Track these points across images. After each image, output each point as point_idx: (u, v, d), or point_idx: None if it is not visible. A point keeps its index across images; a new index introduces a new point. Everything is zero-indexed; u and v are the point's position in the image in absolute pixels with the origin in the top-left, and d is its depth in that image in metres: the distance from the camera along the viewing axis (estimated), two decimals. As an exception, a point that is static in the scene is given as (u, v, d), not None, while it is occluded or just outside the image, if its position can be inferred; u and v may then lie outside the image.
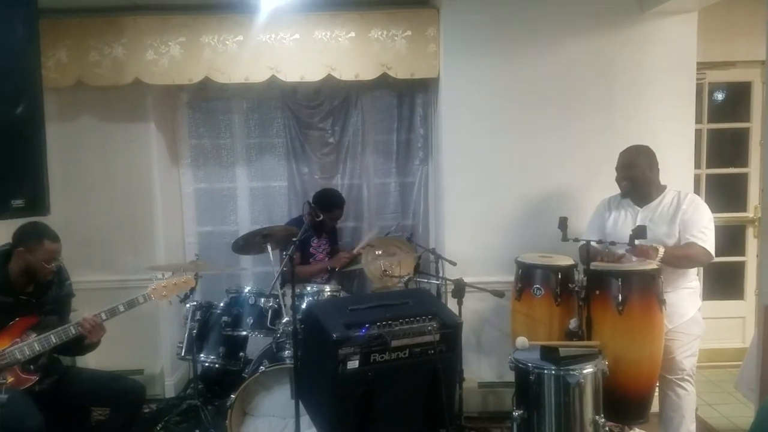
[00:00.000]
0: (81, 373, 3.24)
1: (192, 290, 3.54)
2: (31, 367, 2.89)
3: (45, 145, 3.30)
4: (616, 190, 3.43)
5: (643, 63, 3.82)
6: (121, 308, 3.01)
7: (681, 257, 3.06)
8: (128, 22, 3.86)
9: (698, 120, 4.14)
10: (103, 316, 2.96)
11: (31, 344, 2.83)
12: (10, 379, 2.78)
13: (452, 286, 3.44)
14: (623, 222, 3.26)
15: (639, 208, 3.24)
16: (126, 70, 3.87)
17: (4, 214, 3.08)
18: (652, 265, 2.99)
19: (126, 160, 4.17)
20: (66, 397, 3.05)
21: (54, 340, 2.86)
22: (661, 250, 3.00)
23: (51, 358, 3.03)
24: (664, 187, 3.24)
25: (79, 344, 3.00)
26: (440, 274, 3.75)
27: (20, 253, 2.89)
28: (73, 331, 2.90)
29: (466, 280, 3.47)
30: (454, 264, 3.70)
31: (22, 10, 3.09)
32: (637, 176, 3.17)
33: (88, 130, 4.13)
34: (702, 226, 3.05)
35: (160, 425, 3.72)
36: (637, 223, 3.13)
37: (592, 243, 3.10)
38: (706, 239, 3.04)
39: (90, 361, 3.72)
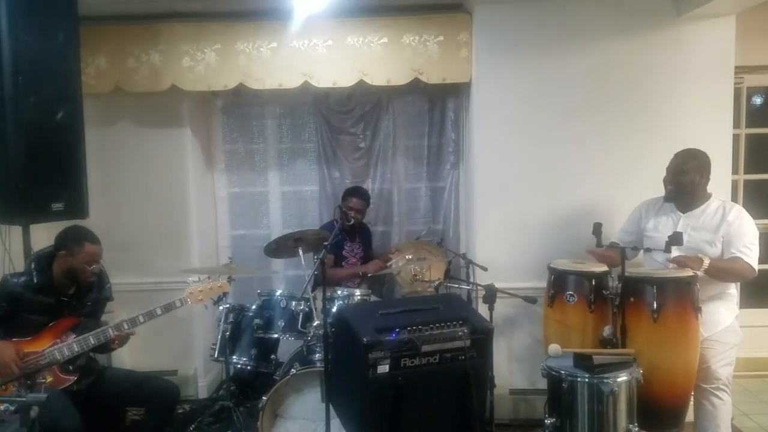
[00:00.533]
0: (117, 374, 3.30)
1: (225, 293, 3.59)
2: (70, 367, 2.95)
3: (84, 150, 3.40)
4: (651, 195, 3.38)
5: (679, 67, 3.76)
6: (158, 311, 3.07)
7: (725, 270, 3.01)
8: (165, 29, 3.94)
9: (736, 125, 4.04)
10: (141, 320, 3.02)
11: (70, 345, 2.90)
12: (50, 379, 2.85)
13: (483, 292, 3.43)
14: (664, 227, 3.21)
15: (681, 214, 3.19)
16: (163, 76, 3.96)
17: (45, 217, 3.19)
18: (688, 272, 2.94)
19: (162, 164, 4.26)
20: (102, 397, 3.11)
21: (92, 342, 2.93)
22: (706, 262, 2.95)
23: (89, 358, 3.10)
24: (709, 195, 3.19)
25: (106, 345, 3.08)
26: (471, 280, 3.73)
27: (62, 256, 2.97)
28: (111, 334, 2.96)
29: (498, 285, 3.44)
30: (485, 269, 3.68)
31: (64, 17, 3.21)
32: (685, 183, 3.13)
33: (125, 136, 4.22)
34: (748, 241, 3.00)
35: (193, 426, 3.76)
36: (678, 228, 3.10)
37: (629, 249, 3.05)
38: (752, 255, 2.99)
39: (125, 361, 3.80)
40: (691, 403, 3.15)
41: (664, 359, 2.91)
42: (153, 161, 4.25)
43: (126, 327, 2.99)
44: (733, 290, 3.17)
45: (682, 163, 3.15)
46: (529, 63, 3.82)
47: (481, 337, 2.45)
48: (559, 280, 3.32)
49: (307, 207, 4.82)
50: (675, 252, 3.01)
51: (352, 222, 4.18)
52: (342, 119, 4.67)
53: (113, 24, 3.96)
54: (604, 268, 3.28)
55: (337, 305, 3.50)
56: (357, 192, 4.32)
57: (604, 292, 3.20)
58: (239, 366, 3.68)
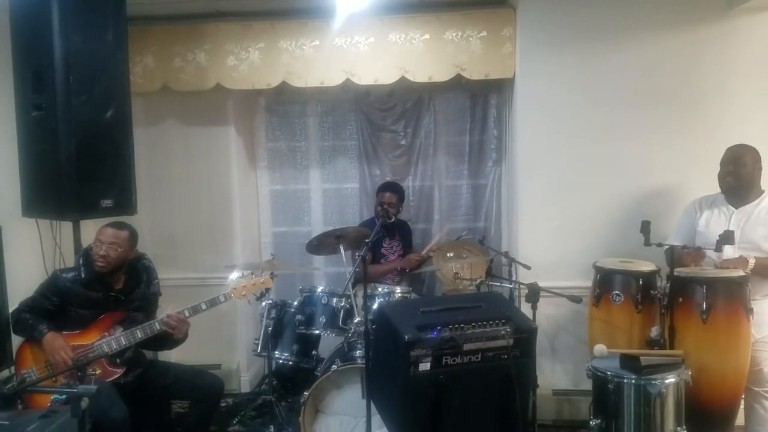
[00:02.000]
0: (163, 367, 3.37)
1: (268, 289, 3.64)
2: (118, 360, 3.03)
3: (132, 148, 3.47)
4: (700, 193, 3.29)
5: (729, 61, 3.64)
6: (204, 306, 3.12)
7: None
8: (211, 29, 4.01)
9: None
10: (186, 314, 3.08)
11: (118, 338, 2.98)
12: (98, 371, 2.92)
13: (526, 291, 3.38)
14: (716, 222, 3.13)
15: (734, 209, 3.11)
16: (208, 75, 4.03)
17: (94, 213, 3.27)
18: (739, 271, 2.86)
19: (207, 162, 4.33)
20: (149, 389, 3.18)
21: (139, 335, 3.00)
22: (752, 261, 2.88)
23: (136, 352, 3.16)
24: (762, 191, 3.11)
25: (166, 340, 3.14)
26: (513, 278, 3.68)
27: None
28: (158, 327, 3.03)
29: (541, 284, 3.38)
30: (528, 268, 3.63)
31: (112, 17, 3.28)
32: (744, 174, 3.06)
33: (172, 134, 4.32)
34: None
35: (236, 419, 3.83)
36: (731, 224, 3.03)
37: (678, 247, 2.97)
38: None
39: (172, 355, 3.88)
40: (742, 406, 3.06)
41: (714, 361, 2.85)
42: (198, 159, 4.33)
43: (173, 313, 3.03)
44: (787, 291, 3.05)
45: (739, 155, 3.08)
46: (574, 58, 3.74)
47: (524, 337, 2.42)
48: (605, 280, 3.27)
49: (347, 204, 4.84)
50: (728, 250, 2.92)
51: (392, 219, 4.19)
52: (383, 116, 4.67)
53: (160, 24, 4.05)
54: (652, 267, 3.21)
55: (378, 302, 3.51)
56: (389, 186, 4.32)
57: (651, 292, 3.15)
58: (281, 361, 3.73)
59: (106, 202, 3.28)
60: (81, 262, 3.07)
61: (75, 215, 3.25)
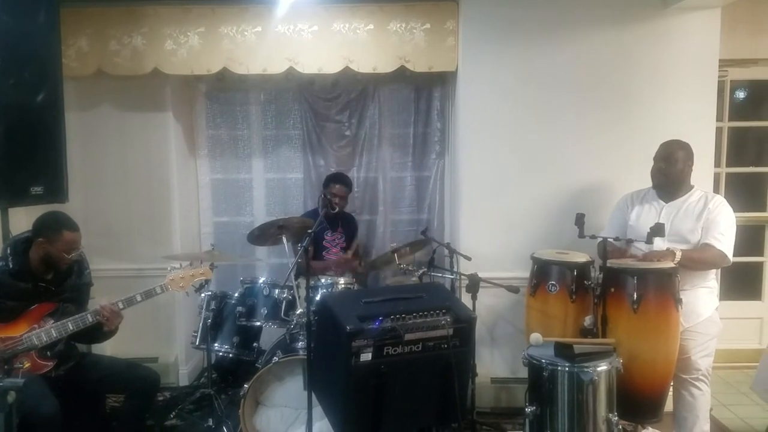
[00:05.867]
0: (96, 360, 3.27)
1: (207, 280, 3.57)
2: (48, 353, 2.92)
3: (65, 134, 3.35)
4: (634, 187, 3.40)
5: (664, 58, 3.77)
6: (139, 298, 3.04)
7: (697, 260, 3.05)
8: (148, 12, 3.88)
9: (719, 118, 4.08)
10: (121, 305, 2.99)
11: (48, 330, 2.87)
12: (27, 365, 2.81)
13: (467, 281, 3.44)
14: (646, 216, 3.24)
15: (664, 203, 3.22)
16: (145, 59, 3.90)
17: (24, 200, 3.14)
18: (668, 263, 2.97)
19: (144, 149, 4.20)
20: (81, 383, 3.08)
21: (71, 327, 2.90)
22: (678, 254, 2.99)
23: (67, 344, 3.06)
24: (691, 187, 3.23)
25: (97, 332, 3.03)
26: (455, 269, 3.74)
27: (40, 243, 2.92)
28: (90, 319, 2.93)
29: (481, 275, 3.46)
30: (469, 259, 3.69)
31: (43, -2, 3.14)
32: (674, 171, 3.16)
33: (107, 120, 4.16)
34: (723, 228, 3.04)
35: (173, 413, 3.76)
36: (661, 217, 3.13)
37: (610, 240, 3.07)
38: (724, 242, 3.02)
39: (106, 348, 3.76)
40: (671, 393, 3.19)
41: (644, 349, 2.95)
42: (135, 146, 4.19)
43: (106, 304, 2.94)
44: (714, 282, 3.21)
45: (671, 151, 3.18)
46: (515, 53, 3.81)
47: (464, 326, 2.46)
48: (542, 270, 3.35)
49: (291, 194, 4.80)
50: (657, 242, 3.04)
51: (336, 210, 4.18)
52: (327, 106, 4.64)
53: (95, 6, 3.89)
54: (586, 258, 3.30)
55: (320, 293, 3.49)
56: (339, 178, 4.31)
57: (585, 282, 3.24)
58: (221, 354, 3.67)
59: (36, 189, 3.16)
60: (8, 252, 2.94)
61: (3, 202, 3.13)
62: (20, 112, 3.04)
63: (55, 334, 2.87)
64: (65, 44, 3.56)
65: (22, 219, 3.28)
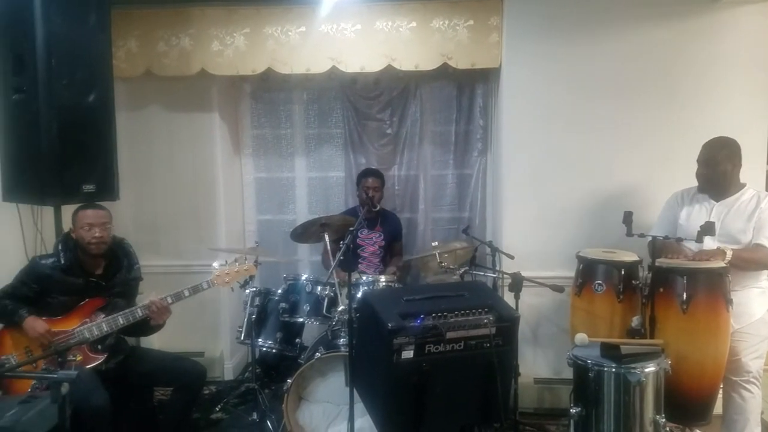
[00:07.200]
0: (145, 354, 3.36)
1: (251, 277, 3.62)
2: (99, 346, 3.01)
3: (115, 133, 3.44)
4: (683, 185, 3.31)
5: (714, 55, 3.66)
6: (186, 293, 3.10)
7: (748, 260, 2.95)
8: (195, 13, 3.96)
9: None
10: (169, 300, 3.06)
11: (99, 324, 2.95)
12: (79, 358, 2.91)
13: (509, 280, 3.40)
14: (697, 215, 3.15)
15: (715, 202, 3.13)
16: (192, 60, 3.98)
17: (76, 198, 3.23)
18: (719, 262, 2.89)
19: (191, 149, 4.29)
20: (130, 376, 3.16)
21: (121, 321, 2.98)
22: (729, 253, 2.90)
23: (118, 338, 3.14)
24: (743, 185, 3.13)
25: (145, 326, 3.11)
26: (497, 268, 3.70)
27: (71, 233, 3.02)
28: (140, 313, 3.00)
29: (524, 274, 3.41)
30: (511, 257, 3.65)
31: (95, 0, 3.22)
32: (717, 174, 3.08)
33: (155, 120, 4.27)
34: None
35: (219, 406, 3.83)
36: (712, 216, 3.05)
37: (659, 238, 3.00)
38: None
39: (154, 342, 3.86)
40: (720, 395, 3.10)
41: (693, 351, 2.87)
42: (182, 145, 4.29)
43: (156, 299, 3.01)
44: (766, 282, 3.09)
45: (713, 154, 3.09)
46: (560, 48, 3.75)
47: (507, 325, 2.44)
48: (587, 269, 3.29)
49: (332, 193, 4.83)
50: (707, 241, 2.95)
51: (377, 207, 4.19)
52: (369, 105, 4.65)
53: (144, 7, 3.99)
54: (634, 257, 3.23)
55: (362, 291, 3.51)
56: (369, 172, 4.33)
57: (633, 282, 3.17)
58: (265, 349, 3.73)
59: (88, 187, 3.24)
60: (60, 247, 3.04)
61: (56, 200, 3.22)
62: (73, 112, 3.13)
63: (105, 328, 2.96)
64: (115, 45, 3.66)
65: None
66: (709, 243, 2.99)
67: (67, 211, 3.36)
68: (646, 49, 3.70)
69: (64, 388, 1.90)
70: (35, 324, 2.86)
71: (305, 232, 3.86)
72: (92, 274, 3.07)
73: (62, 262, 3.00)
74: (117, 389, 2.95)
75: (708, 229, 2.84)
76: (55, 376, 1.93)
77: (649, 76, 3.72)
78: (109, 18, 3.32)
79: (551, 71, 3.78)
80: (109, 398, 2.78)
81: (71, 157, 3.13)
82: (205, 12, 3.95)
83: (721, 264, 2.88)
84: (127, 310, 3.00)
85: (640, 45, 3.70)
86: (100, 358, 3.00)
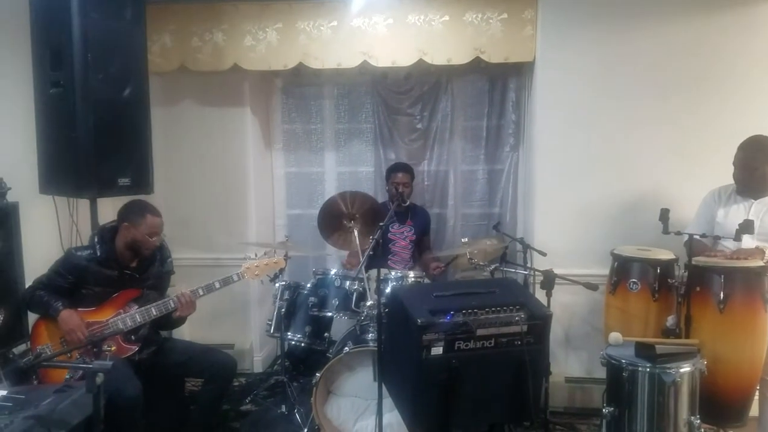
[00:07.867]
0: (177, 345, 3.39)
1: (281, 270, 3.64)
2: (132, 337, 3.05)
3: (150, 127, 3.48)
4: (715, 182, 3.24)
5: (755, 50, 3.56)
6: (217, 285, 3.13)
7: None
8: (228, 9, 3.98)
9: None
10: (200, 292, 3.10)
11: (133, 315, 3.00)
12: (113, 348, 2.96)
13: (541, 277, 3.35)
14: (735, 213, 3.09)
15: (753, 201, 3.06)
16: (225, 55, 4.01)
17: (112, 191, 3.28)
18: (757, 261, 2.82)
19: (223, 143, 4.33)
20: (163, 367, 3.20)
21: (154, 313, 3.02)
22: None
23: (151, 329, 3.18)
24: None
25: (169, 319, 3.15)
26: (528, 265, 3.65)
27: (125, 228, 3.05)
28: (172, 305, 3.04)
29: (557, 271, 3.36)
30: (543, 254, 3.60)
31: (131, -5, 3.26)
32: (756, 178, 3.03)
33: (188, 114, 4.32)
34: None
35: (249, 398, 3.87)
36: (750, 214, 2.99)
37: (696, 237, 2.93)
38: None
39: (185, 334, 3.91)
40: (756, 397, 3.03)
41: (730, 351, 2.82)
42: (214, 139, 4.33)
43: (186, 291, 3.05)
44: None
45: (749, 158, 3.04)
46: (596, 42, 3.69)
47: (538, 323, 2.39)
48: (622, 268, 3.24)
49: (362, 188, 4.78)
50: (746, 240, 2.88)
51: (407, 203, 4.17)
52: (399, 99, 4.63)
53: (178, 3, 4.02)
54: (670, 255, 3.17)
55: (391, 286, 3.49)
56: (398, 167, 4.29)
57: (669, 280, 3.12)
58: (294, 342, 3.75)
59: (124, 181, 3.29)
60: (96, 240, 3.08)
61: (92, 193, 3.27)
62: (108, 107, 3.17)
63: (139, 319, 3.00)
64: (150, 40, 3.70)
65: (108, 209, 3.43)
66: (748, 241, 2.94)
67: (103, 203, 3.42)
68: (686, 44, 3.62)
69: (99, 378, 1.93)
70: (70, 318, 2.90)
71: (329, 214, 3.74)
72: (127, 266, 3.11)
73: (98, 254, 3.04)
74: (150, 379, 2.98)
75: (747, 227, 2.79)
76: (91, 366, 1.97)
77: (688, 71, 3.64)
78: (144, 13, 3.36)
79: (586, 66, 3.71)
80: (142, 388, 2.82)
81: (107, 150, 3.18)
82: (238, 7, 3.98)
83: (760, 263, 2.83)
84: (159, 302, 3.04)
85: (680, 40, 3.62)
86: (134, 349, 3.04)
